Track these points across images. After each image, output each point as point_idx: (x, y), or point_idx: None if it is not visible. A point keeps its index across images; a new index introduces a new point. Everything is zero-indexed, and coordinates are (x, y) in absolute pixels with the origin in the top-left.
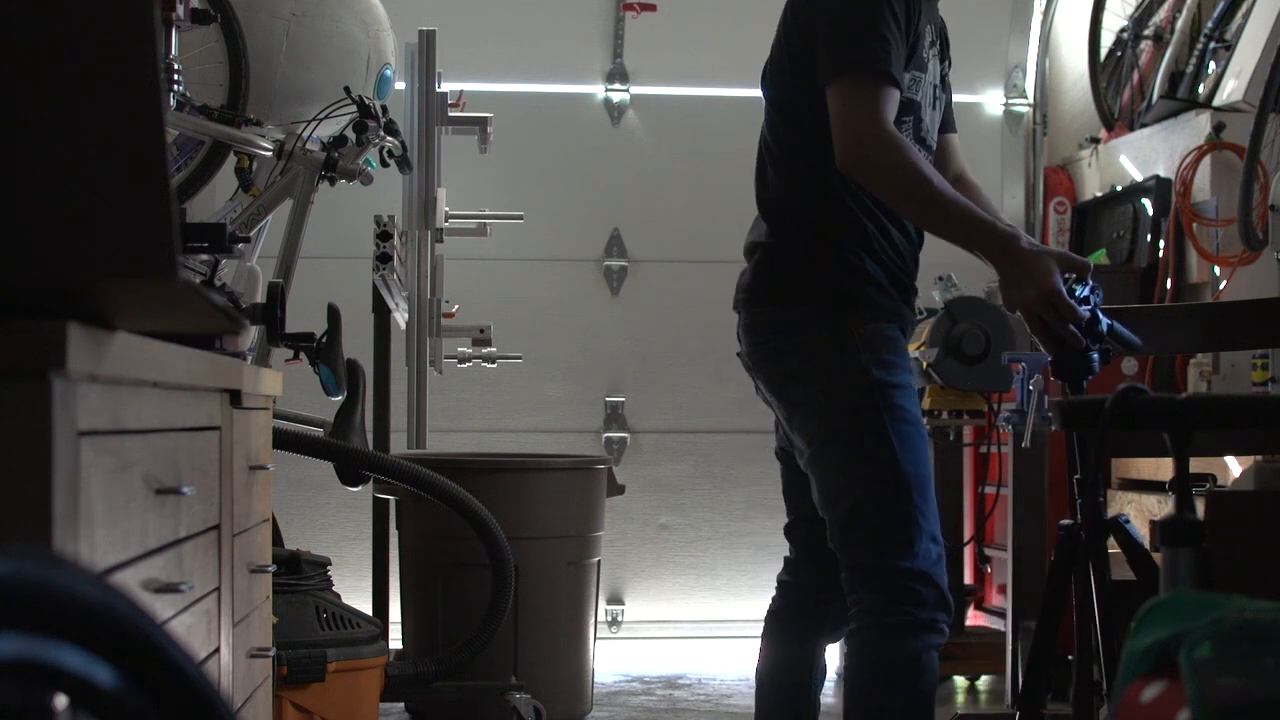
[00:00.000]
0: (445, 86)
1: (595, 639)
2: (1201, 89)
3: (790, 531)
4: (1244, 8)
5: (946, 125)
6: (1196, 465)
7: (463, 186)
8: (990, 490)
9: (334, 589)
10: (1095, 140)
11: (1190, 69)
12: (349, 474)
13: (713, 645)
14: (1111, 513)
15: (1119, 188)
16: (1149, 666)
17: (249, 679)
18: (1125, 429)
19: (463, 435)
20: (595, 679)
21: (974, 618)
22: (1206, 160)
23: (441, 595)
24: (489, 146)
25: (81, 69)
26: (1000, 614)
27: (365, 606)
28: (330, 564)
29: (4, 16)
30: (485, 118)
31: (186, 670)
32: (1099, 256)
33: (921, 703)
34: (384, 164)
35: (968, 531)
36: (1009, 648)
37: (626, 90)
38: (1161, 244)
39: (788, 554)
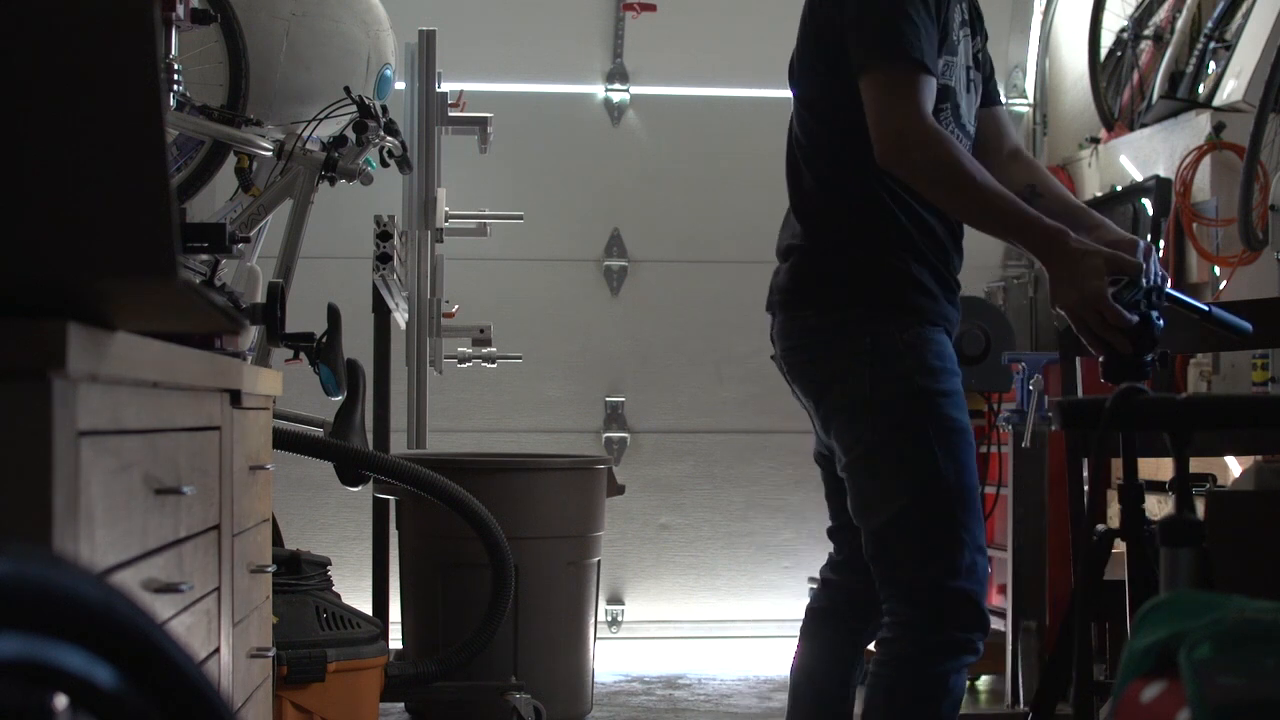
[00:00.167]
0: (445, 86)
1: (595, 639)
2: (1201, 89)
3: (834, 534)
4: (1244, 8)
5: (990, 99)
6: (1196, 465)
7: (463, 186)
8: (990, 490)
9: (334, 589)
10: (1095, 140)
11: (1190, 69)
12: (349, 474)
13: (713, 645)
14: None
15: (1119, 188)
16: (1149, 666)
17: (249, 679)
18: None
19: (463, 435)
20: (595, 679)
21: None
22: (1206, 160)
23: (441, 595)
24: (489, 146)
25: (81, 69)
26: (1000, 614)
27: (365, 606)
28: (330, 564)
29: (4, 16)
30: (485, 118)
31: (186, 670)
32: None
33: None
34: (384, 164)
35: None
36: (1009, 648)
37: (626, 90)
38: (1161, 244)
39: (832, 552)
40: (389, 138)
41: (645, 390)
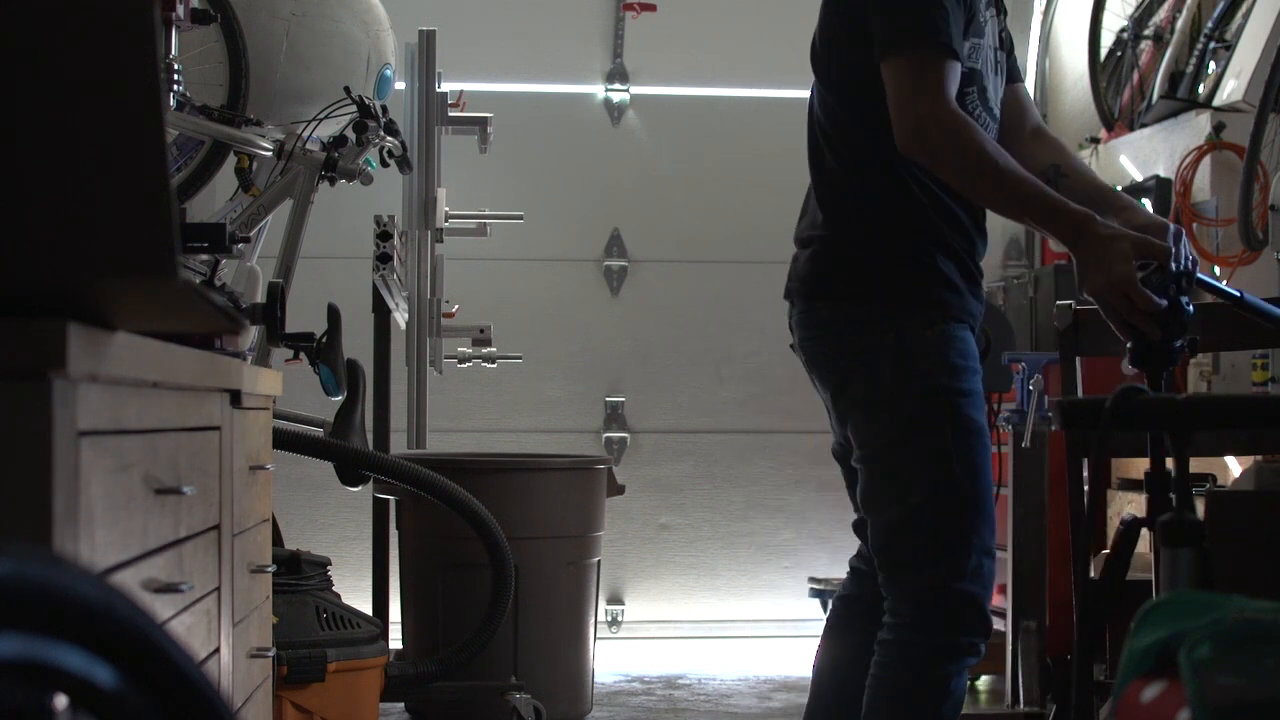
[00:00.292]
0: (445, 86)
1: (595, 639)
2: (1201, 89)
3: (860, 526)
4: (1244, 8)
5: (1012, 75)
6: (1196, 465)
7: (463, 186)
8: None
9: (334, 589)
10: (1095, 140)
11: (1190, 69)
12: (349, 474)
13: (713, 645)
14: (1111, 513)
15: (1119, 188)
16: (1149, 666)
17: (249, 679)
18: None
19: (463, 435)
20: (595, 679)
21: None
22: (1206, 160)
23: (441, 595)
24: (489, 146)
25: (81, 69)
26: (1000, 614)
27: (365, 606)
28: (330, 564)
29: (4, 17)
30: (485, 118)
31: (186, 670)
32: None
33: None
34: (384, 164)
35: None
36: (1009, 648)
37: (626, 90)
38: None
39: (861, 546)
40: (389, 138)
41: (645, 390)
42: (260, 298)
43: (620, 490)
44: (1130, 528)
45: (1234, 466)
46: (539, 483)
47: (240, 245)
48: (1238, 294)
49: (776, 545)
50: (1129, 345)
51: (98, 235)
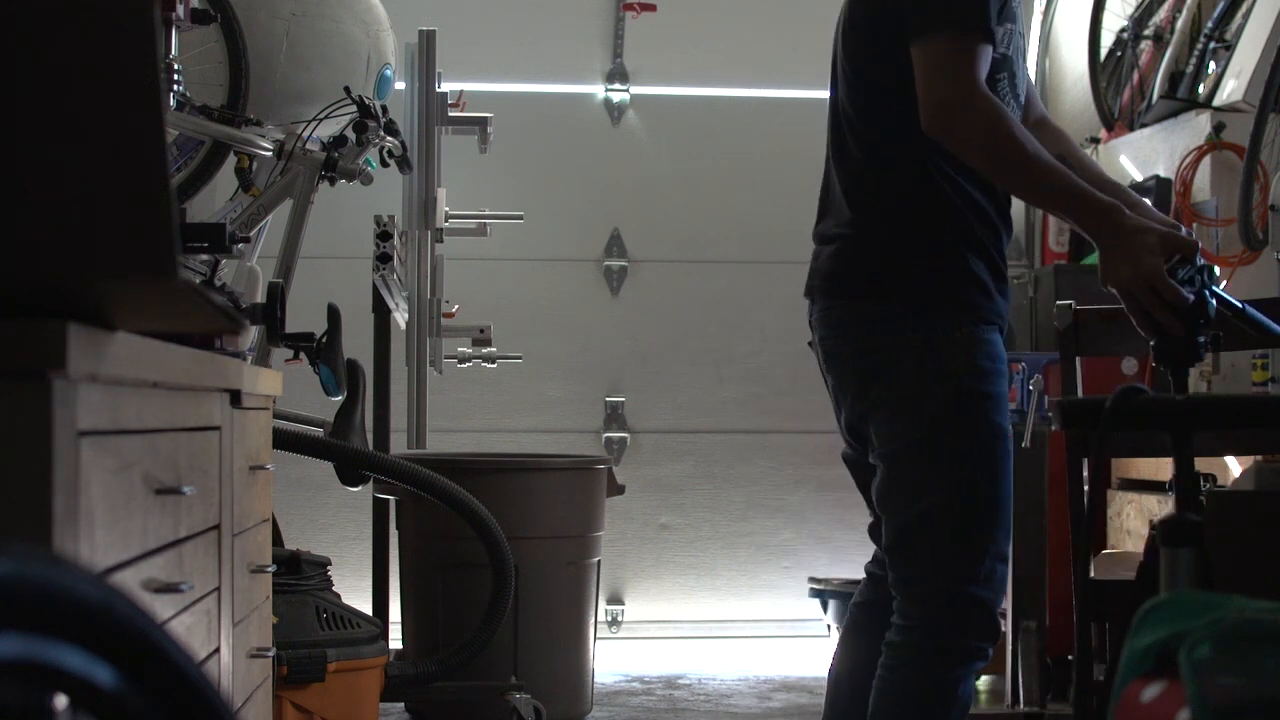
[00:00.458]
0: (445, 86)
1: (595, 639)
2: (1201, 89)
3: (875, 530)
4: (1244, 8)
5: None
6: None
7: (463, 186)
8: None
9: (334, 589)
10: (1095, 140)
11: (1190, 69)
12: (349, 474)
13: (713, 645)
14: (1111, 513)
15: None
16: (1149, 666)
17: (249, 679)
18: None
19: (463, 435)
20: (595, 679)
21: None
22: (1206, 160)
23: (441, 595)
24: (489, 146)
25: (82, 69)
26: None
27: (365, 606)
28: (330, 564)
29: (4, 16)
30: (485, 118)
31: (186, 670)
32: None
33: None
34: (384, 164)
35: None
36: (1009, 648)
37: (626, 90)
38: None
39: (877, 550)
40: (389, 138)
41: (645, 390)
42: (260, 298)
43: (620, 490)
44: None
45: (1234, 466)
46: (539, 483)
47: (240, 245)
48: (1240, 305)
49: (776, 545)
50: (1152, 343)
51: (98, 235)
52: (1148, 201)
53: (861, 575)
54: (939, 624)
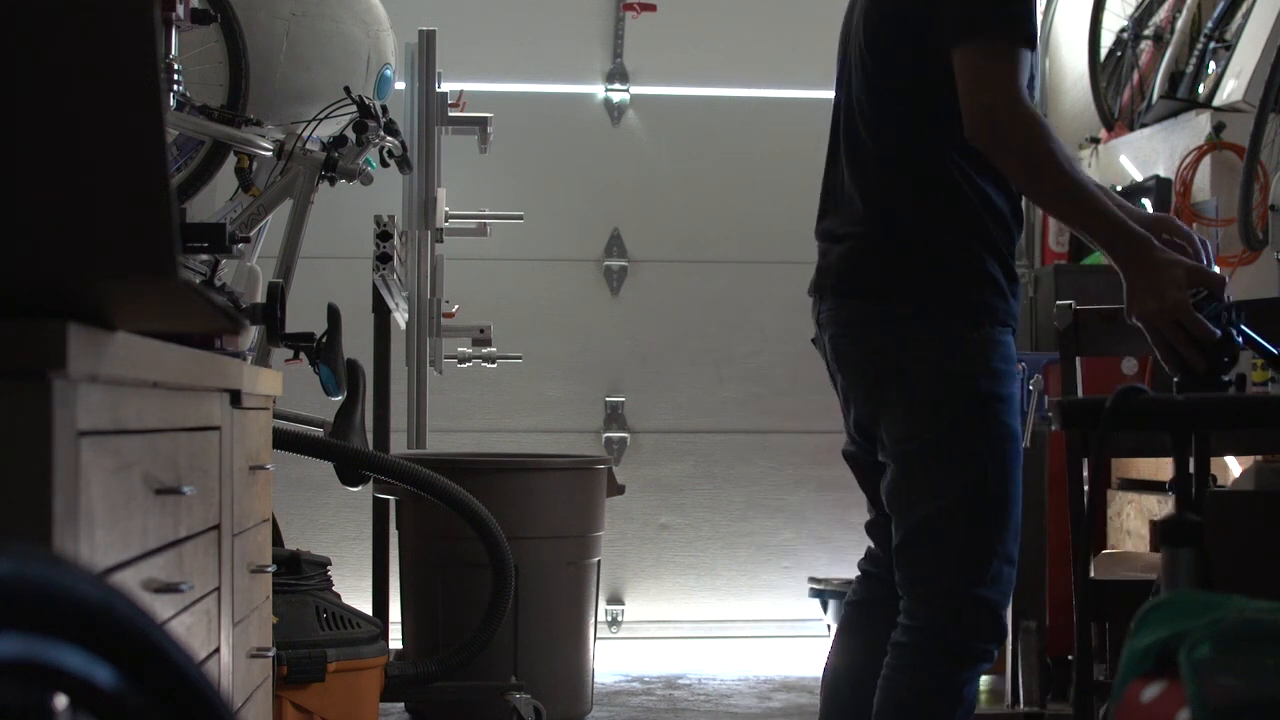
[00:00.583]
0: (445, 86)
1: (595, 639)
2: (1201, 89)
3: (873, 528)
4: (1244, 8)
5: None
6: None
7: (463, 186)
8: None
9: (334, 589)
10: (1095, 140)
11: (1190, 69)
12: (349, 474)
13: (713, 645)
14: (1111, 513)
15: (1119, 188)
16: (1149, 666)
17: (249, 679)
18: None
19: (463, 435)
20: (595, 679)
21: None
22: (1206, 160)
23: (441, 595)
24: (489, 146)
25: (82, 69)
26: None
27: (365, 606)
28: (330, 564)
29: (4, 16)
30: (485, 118)
31: (186, 670)
32: (1098, 258)
33: None
34: (384, 164)
35: None
36: (1009, 648)
37: (626, 90)
38: None
39: (871, 546)
40: (389, 138)
41: (645, 390)
42: (260, 298)
43: (620, 490)
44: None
45: (1234, 466)
46: (539, 483)
47: (240, 245)
48: (1275, 351)
49: (776, 545)
50: (1175, 380)
51: (98, 235)
52: (1145, 203)
53: None
54: (945, 625)
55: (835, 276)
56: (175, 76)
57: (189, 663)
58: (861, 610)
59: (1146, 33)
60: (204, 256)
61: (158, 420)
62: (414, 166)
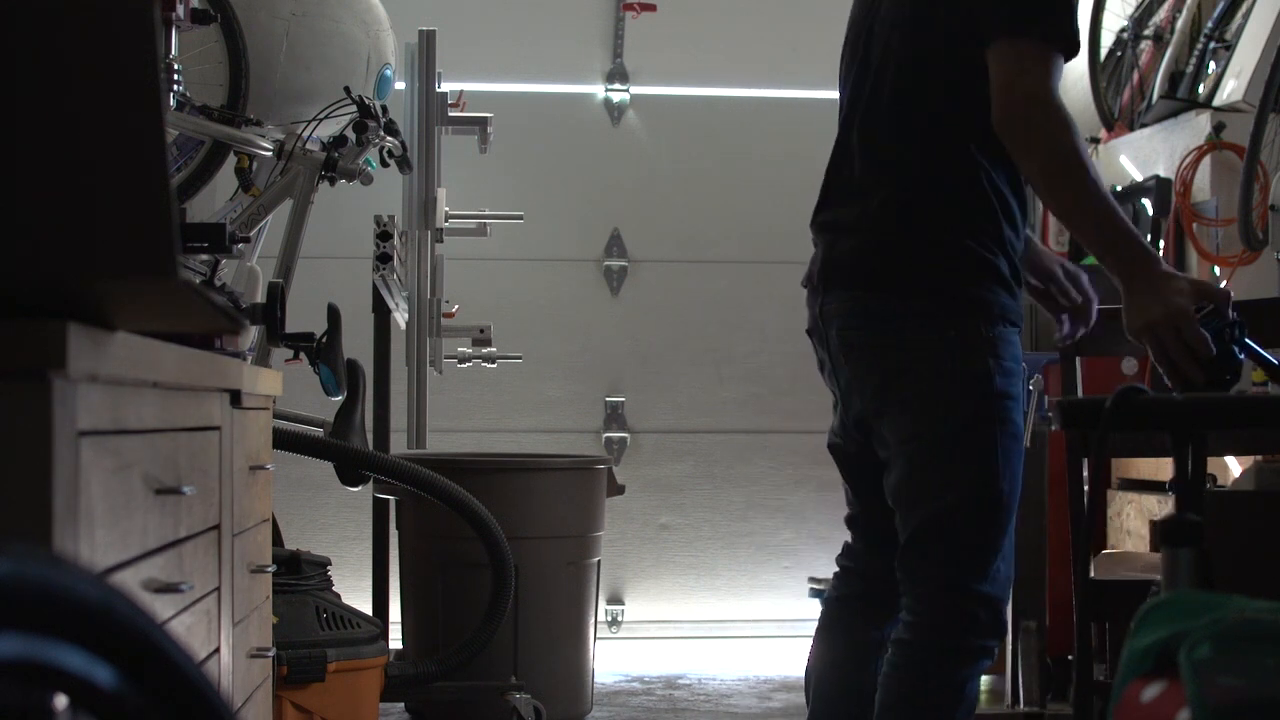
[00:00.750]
0: (445, 86)
1: (595, 639)
2: (1201, 89)
3: (852, 521)
4: (1244, 8)
5: None
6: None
7: (463, 186)
8: None
9: (334, 589)
10: (1095, 140)
11: (1190, 69)
12: (349, 474)
13: (713, 645)
14: (1111, 513)
15: (1119, 188)
16: (1149, 666)
17: (249, 679)
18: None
19: (463, 435)
20: (595, 679)
21: None
22: (1206, 160)
23: (441, 595)
24: (489, 146)
25: (81, 69)
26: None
27: (365, 606)
28: (330, 564)
29: (4, 16)
30: (485, 118)
31: (186, 670)
32: None
33: None
34: (384, 164)
35: None
36: (1009, 648)
37: (626, 90)
38: (1161, 244)
39: (849, 541)
40: (389, 138)
41: (645, 390)
42: (260, 298)
43: (620, 490)
44: None
45: (1234, 466)
46: (539, 483)
47: (240, 245)
48: (1275, 362)
49: (776, 545)
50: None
51: (98, 235)
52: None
53: None
54: (947, 622)
55: (849, 269)
56: (175, 76)
57: (189, 663)
58: (840, 607)
59: (1146, 33)
60: (204, 256)
61: (158, 420)
62: (414, 166)
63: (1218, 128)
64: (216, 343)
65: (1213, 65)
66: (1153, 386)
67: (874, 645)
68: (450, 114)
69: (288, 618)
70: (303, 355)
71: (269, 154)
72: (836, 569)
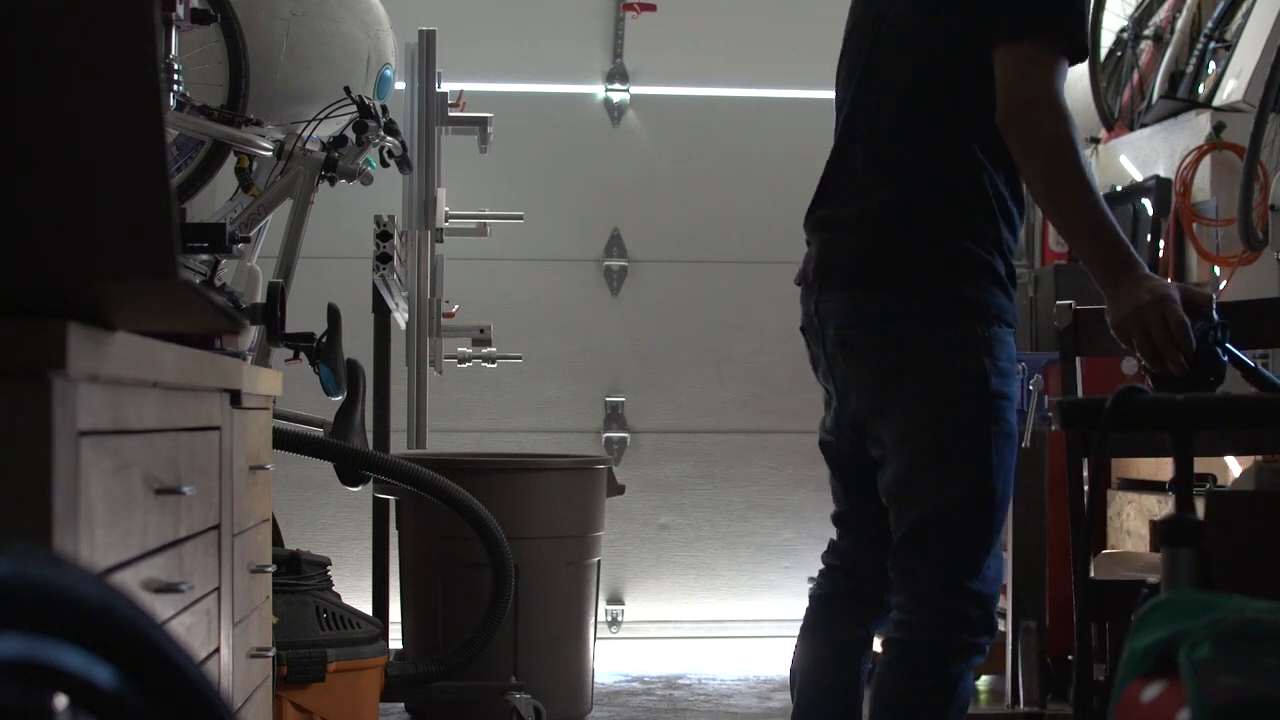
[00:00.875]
0: (445, 86)
1: (595, 639)
2: (1201, 89)
3: (840, 519)
4: (1244, 8)
5: None
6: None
7: (463, 186)
8: None
9: (334, 589)
10: (1095, 140)
11: (1190, 69)
12: (349, 474)
13: (713, 645)
14: (1111, 513)
15: (1119, 188)
16: (1149, 666)
17: (249, 679)
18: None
19: (463, 435)
20: (595, 679)
21: None
22: (1206, 160)
23: (441, 595)
24: (489, 146)
25: (81, 69)
26: (1000, 614)
27: (365, 606)
28: (330, 564)
29: (4, 16)
30: (485, 118)
31: (186, 670)
32: None
33: None
34: (384, 164)
35: None
36: (1009, 648)
37: (626, 90)
38: (1161, 244)
39: (835, 539)
40: (389, 138)
41: (645, 390)
42: (260, 298)
43: (620, 490)
44: None
45: (1234, 466)
46: (539, 483)
47: (240, 245)
48: (1251, 365)
49: (776, 545)
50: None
51: (98, 235)
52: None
53: None
54: (940, 620)
55: (848, 268)
56: (175, 76)
57: (189, 663)
58: (825, 605)
59: (1146, 33)
60: (204, 256)
61: (158, 420)
62: (414, 166)
63: (1218, 128)
64: (216, 343)
65: (1213, 65)
66: (1153, 387)
67: (859, 643)
68: (450, 114)
69: (288, 618)
70: (303, 355)
71: (269, 154)
72: (822, 566)
